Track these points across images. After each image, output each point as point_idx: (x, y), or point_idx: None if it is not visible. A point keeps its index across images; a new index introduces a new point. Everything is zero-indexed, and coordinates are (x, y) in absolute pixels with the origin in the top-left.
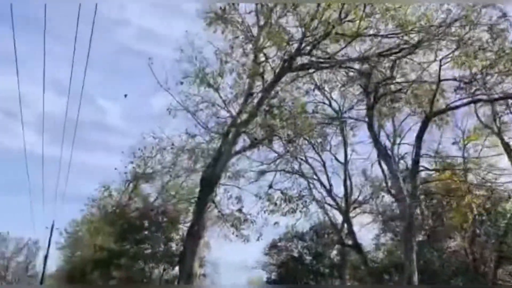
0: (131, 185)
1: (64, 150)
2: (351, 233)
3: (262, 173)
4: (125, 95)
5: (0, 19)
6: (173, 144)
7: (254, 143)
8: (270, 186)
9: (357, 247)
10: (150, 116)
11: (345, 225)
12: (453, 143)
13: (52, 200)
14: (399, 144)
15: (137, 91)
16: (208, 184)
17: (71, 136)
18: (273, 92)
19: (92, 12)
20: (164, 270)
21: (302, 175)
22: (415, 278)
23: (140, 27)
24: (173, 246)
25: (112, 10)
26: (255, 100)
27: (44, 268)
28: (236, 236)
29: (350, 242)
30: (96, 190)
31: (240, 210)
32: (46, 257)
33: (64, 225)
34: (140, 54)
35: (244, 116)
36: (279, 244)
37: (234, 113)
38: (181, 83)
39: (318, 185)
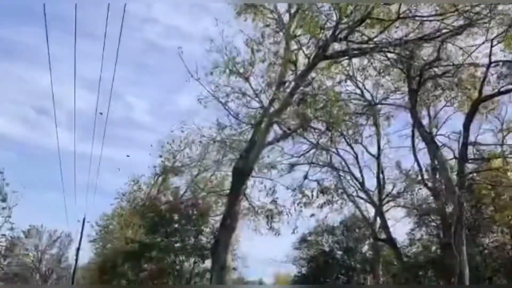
0: (160, 178)
1: (95, 146)
2: (385, 227)
3: (292, 166)
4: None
5: (32, 18)
6: (202, 136)
7: (287, 133)
8: (306, 177)
9: (391, 241)
10: (177, 112)
11: (378, 219)
12: (499, 131)
13: (83, 194)
14: (436, 135)
15: (165, 87)
16: (241, 175)
17: (101, 132)
18: (306, 81)
19: (120, 10)
20: (194, 263)
21: (333, 168)
22: (467, 274)
23: (167, 24)
24: (203, 239)
25: (140, 8)
26: (288, 90)
27: (76, 260)
28: (268, 229)
29: (383, 237)
30: (126, 184)
31: (275, 202)
32: (78, 250)
33: (95, 219)
34: (167, 51)
35: (277, 105)
36: (309, 238)
37: (265, 103)
38: (211, 73)
39: (349, 178)
